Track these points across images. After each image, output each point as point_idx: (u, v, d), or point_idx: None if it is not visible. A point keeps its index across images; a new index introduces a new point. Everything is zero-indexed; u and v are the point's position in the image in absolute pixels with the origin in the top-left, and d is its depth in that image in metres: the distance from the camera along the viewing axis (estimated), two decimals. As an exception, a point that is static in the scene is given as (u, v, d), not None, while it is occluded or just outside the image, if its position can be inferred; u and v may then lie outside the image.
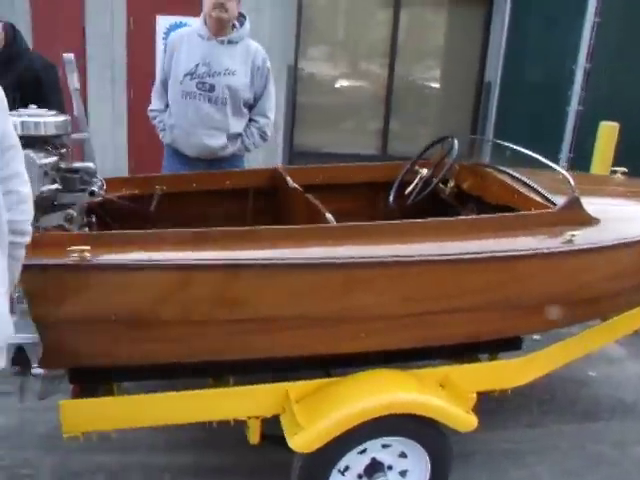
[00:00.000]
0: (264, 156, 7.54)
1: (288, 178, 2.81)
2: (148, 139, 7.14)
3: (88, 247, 1.83)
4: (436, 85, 7.98)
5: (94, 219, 2.48)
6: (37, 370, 2.44)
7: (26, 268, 1.66)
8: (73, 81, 2.35)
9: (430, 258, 2.15)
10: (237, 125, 3.38)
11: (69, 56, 2.34)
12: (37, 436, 2.75)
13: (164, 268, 1.90)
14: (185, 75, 3.31)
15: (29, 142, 2.21)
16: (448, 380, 2.36)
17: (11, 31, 3.09)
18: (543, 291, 2.36)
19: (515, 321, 2.43)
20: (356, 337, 2.17)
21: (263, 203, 3.13)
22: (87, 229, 2.39)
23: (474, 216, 2.81)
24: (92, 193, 2.28)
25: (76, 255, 1.82)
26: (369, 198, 3.33)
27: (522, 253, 2.24)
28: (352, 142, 7.81)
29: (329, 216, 2.27)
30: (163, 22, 7.13)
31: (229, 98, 3.29)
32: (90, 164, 2.33)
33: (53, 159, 2.21)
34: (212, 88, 3.28)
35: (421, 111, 8.02)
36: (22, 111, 2.23)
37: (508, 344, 2.64)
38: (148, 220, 2.78)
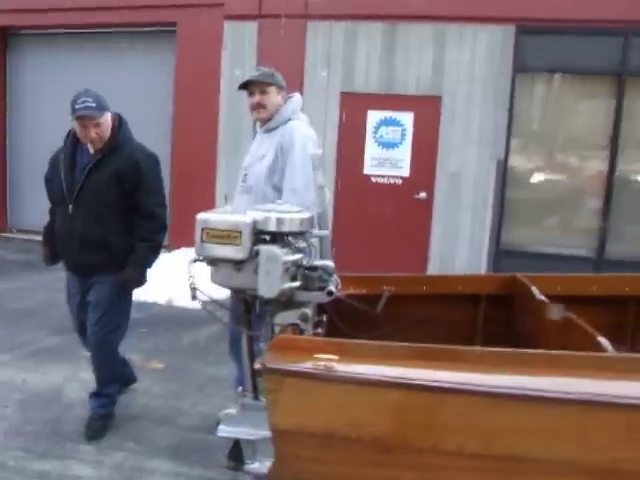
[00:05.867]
0: (468, 253, 7.28)
1: (534, 289, 2.49)
2: (351, 233, 7.34)
3: (336, 356, 1.67)
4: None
5: (324, 318, 2.37)
6: (249, 467, 2.32)
7: (271, 370, 1.53)
8: (318, 177, 2.31)
9: None
10: None
11: (317, 152, 2.31)
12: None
13: (419, 388, 1.67)
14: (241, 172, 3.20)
15: (274, 237, 2.19)
16: None
17: (118, 120, 3.22)
18: None
19: None
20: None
21: (495, 311, 2.83)
22: (319, 329, 2.27)
23: None
24: (330, 293, 2.17)
25: (323, 364, 1.67)
26: (618, 313, 2.87)
27: None
28: (564, 242, 7.23)
29: (603, 341, 1.90)
30: (373, 117, 7.33)
31: (253, 185, 3.03)
32: (330, 262, 2.23)
33: (297, 256, 2.14)
34: (245, 178, 3.10)
35: (645, 210, 7.24)
36: (269, 206, 2.22)
37: None
38: (374, 321, 2.63)
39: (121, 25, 8.07)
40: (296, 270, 2.16)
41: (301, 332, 2.16)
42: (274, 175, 2.99)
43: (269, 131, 3.11)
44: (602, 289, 2.83)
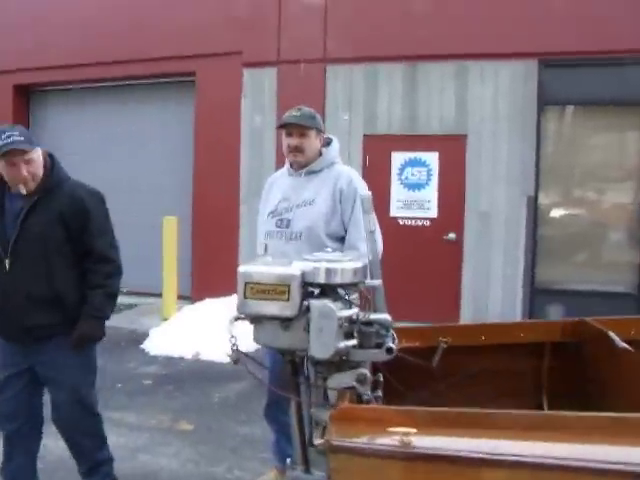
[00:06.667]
0: (502, 295, 7.00)
1: (612, 334, 2.23)
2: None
3: (412, 429, 1.42)
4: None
5: (381, 378, 2.12)
6: None
7: (337, 449, 1.29)
8: (369, 222, 2.10)
9: None
10: None
11: (367, 194, 2.11)
12: None
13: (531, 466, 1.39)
14: (268, 214, 2.97)
15: (323, 290, 1.97)
16: None
17: (49, 158, 2.78)
18: None
19: None
20: None
21: (561, 360, 2.57)
22: (379, 391, 2.02)
23: None
24: (390, 350, 1.92)
25: (398, 438, 1.42)
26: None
27: None
28: (601, 278, 6.94)
29: None
30: (397, 158, 7.18)
31: (305, 231, 2.83)
32: (386, 315, 2.00)
33: (352, 311, 1.92)
34: (289, 223, 2.88)
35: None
36: (317, 255, 2.00)
37: None
38: (429, 376, 2.38)
39: (137, 77, 8.08)
40: (350, 326, 1.93)
41: (359, 397, 1.92)
42: (331, 222, 2.84)
43: (310, 174, 2.94)
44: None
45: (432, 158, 7.07)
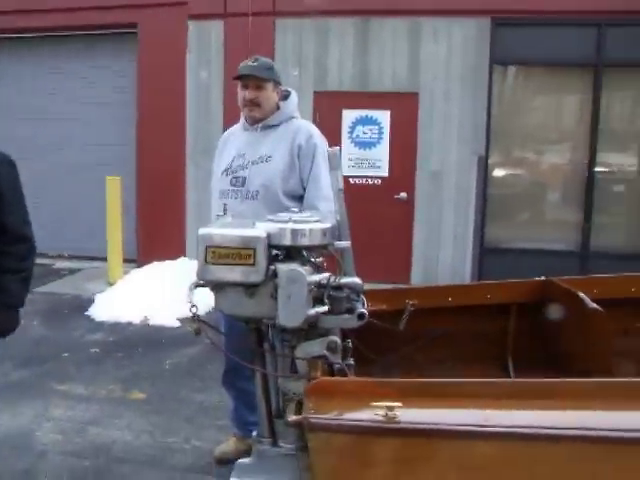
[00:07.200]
0: (452, 253, 7.03)
1: (583, 295, 2.20)
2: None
3: (399, 403, 1.33)
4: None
5: (350, 344, 2.02)
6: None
7: (317, 427, 1.19)
8: (337, 180, 1.97)
9: None
10: None
11: (334, 149, 1.97)
12: None
13: (517, 437, 1.32)
14: (222, 172, 2.80)
15: (288, 253, 1.84)
16: None
17: None
18: None
19: None
20: None
21: (525, 321, 2.55)
22: (351, 360, 1.93)
23: None
24: (362, 316, 1.83)
25: (382, 413, 1.32)
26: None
27: None
28: (548, 237, 7.06)
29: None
30: (348, 116, 7.03)
31: (261, 189, 2.67)
32: (357, 279, 1.89)
33: (323, 275, 1.80)
34: (244, 182, 2.71)
35: (628, 202, 7.14)
36: (282, 216, 1.86)
37: None
38: (396, 340, 2.31)
39: (75, 28, 7.56)
40: (319, 291, 1.81)
41: (330, 366, 1.82)
42: (289, 180, 2.68)
43: (267, 129, 2.76)
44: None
45: (384, 116, 6.96)
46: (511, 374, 2.57)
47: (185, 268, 6.23)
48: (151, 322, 5.34)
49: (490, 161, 6.92)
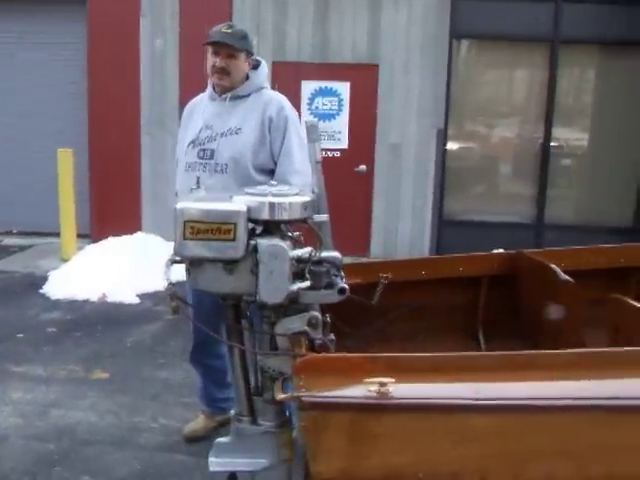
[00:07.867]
0: (411, 225, 7.08)
1: (555, 267, 2.22)
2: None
3: (392, 378, 1.30)
4: (597, 147, 7.24)
5: (329, 319, 1.99)
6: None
7: (311, 405, 1.16)
8: (316, 152, 1.92)
9: None
10: None
11: (312, 121, 1.92)
12: None
13: (511, 409, 1.32)
14: (188, 145, 2.71)
15: (267, 227, 1.78)
16: None
17: None
18: None
19: None
20: None
21: (497, 293, 2.57)
22: (332, 335, 1.90)
23: None
24: (342, 291, 1.79)
25: (375, 389, 1.30)
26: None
27: None
28: (505, 210, 7.19)
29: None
30: (308, 87, 6.94)
31: (230, 163, 2.59)
32: (337, 253, 1.86)
33: (305, 250, 1.75)
34: (212, 154, 2.63)
35: (581, 176, 7.32)
36: (261, 189, 1.80)
37: None
38: (370, 314, 2.30)
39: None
40: (299, 266, 1.77)
41: (311, 342, 1.79)
42: (260, 153, 2.60)
43: (236, 99, 2.67)
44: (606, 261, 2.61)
45: (343, 88, 6.89)
46: (482, 345, 2.61)
47: (142, 243, 6.09)
48: (109, 299, 5.20)
49: (449, 134, 6.96)
